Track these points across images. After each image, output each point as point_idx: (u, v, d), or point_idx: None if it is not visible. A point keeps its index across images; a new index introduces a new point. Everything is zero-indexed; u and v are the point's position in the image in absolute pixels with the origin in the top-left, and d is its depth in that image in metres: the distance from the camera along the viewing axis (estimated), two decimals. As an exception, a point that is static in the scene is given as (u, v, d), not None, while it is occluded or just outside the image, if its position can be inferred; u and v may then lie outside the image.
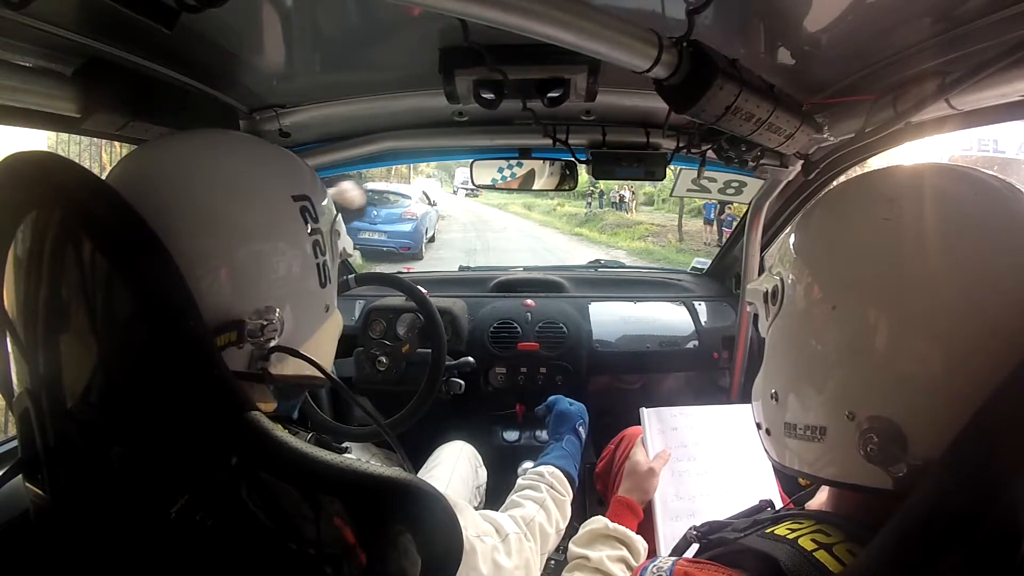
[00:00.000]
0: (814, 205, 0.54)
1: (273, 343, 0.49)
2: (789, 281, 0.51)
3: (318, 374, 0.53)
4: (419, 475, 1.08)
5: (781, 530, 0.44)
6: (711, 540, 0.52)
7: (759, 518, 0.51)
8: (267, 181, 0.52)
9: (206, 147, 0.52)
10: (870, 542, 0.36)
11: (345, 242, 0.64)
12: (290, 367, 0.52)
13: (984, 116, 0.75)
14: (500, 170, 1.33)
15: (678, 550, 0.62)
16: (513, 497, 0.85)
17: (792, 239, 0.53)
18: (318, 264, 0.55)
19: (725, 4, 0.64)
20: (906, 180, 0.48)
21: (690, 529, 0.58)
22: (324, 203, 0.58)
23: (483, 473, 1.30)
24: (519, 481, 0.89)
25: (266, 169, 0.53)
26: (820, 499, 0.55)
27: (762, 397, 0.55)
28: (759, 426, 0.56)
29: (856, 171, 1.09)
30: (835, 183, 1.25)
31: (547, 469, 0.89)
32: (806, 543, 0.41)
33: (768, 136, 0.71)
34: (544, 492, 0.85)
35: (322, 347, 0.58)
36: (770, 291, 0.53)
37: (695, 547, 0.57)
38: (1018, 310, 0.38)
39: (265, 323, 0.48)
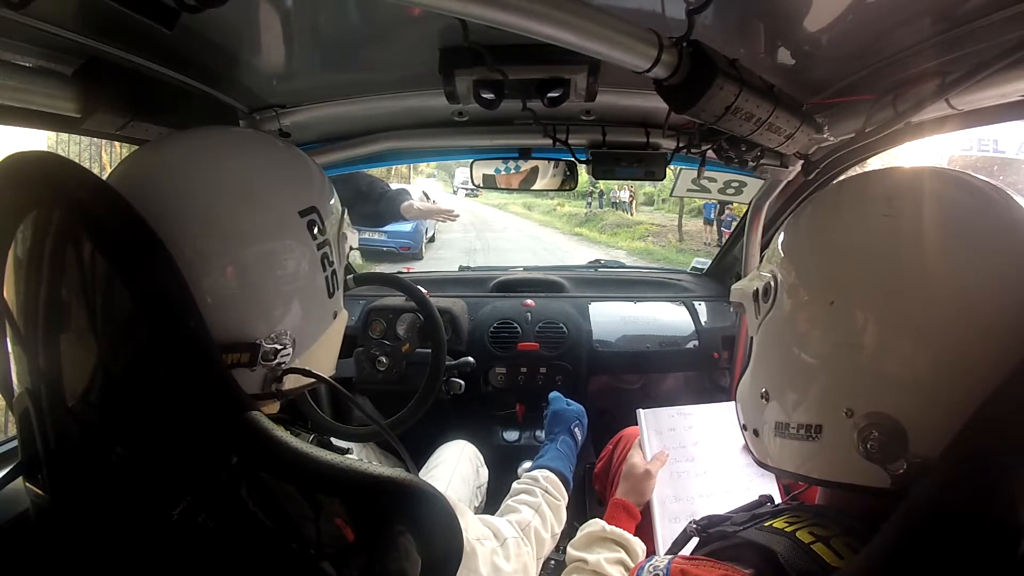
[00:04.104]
0: (806, 204, 0.54)
1: (285, 366, 0.50)
2: (783, 278, 0.50)
3: (322, 376, 0.53)
4: (420, 475, 1.08)
5: (779, 523, 0.44)
6: (710, 534, 0.52)
7: (758, 512, 0.51)
8: (272, 191, 0.51)
9: (209, 147, 0.51)
10: (868, 536, 0.36)
11: (352, 240, 0.62)
12: (295, 378, 0.52)
13: (984, 116, 0.75)
14: (500, 170, 1.33)
15: (678, 544, 0.62)
16: (509, 502, 0.85)
17: (787, 238, 0.53)
18: (326, 277, 0.54)
19: (725, 4, 0.64)
20: (903, 180, 0.49)
21: (690, 523, 0.58)
22: (332, 202, 0.57)
23: (484, 473, 1.30)
24: (514, 485, 0.89)
25: (271, 175, 0.52)
26: (817, 494, 0.55)
27: (749, 397, 0.54)
28: (744, 427, 0.56)
29: (856, 171, 1.08)
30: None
31: (542, 473, 0.89)
32: (804, 536, 0.41)
33: (768, 136, 0.71)
34: (539, 497, 0.85)
35: (327, 349, 0.58)
36: (761, 289, 0.53)
37: (695, 541, 0.57)
38: (1016, 310, 0.39)
39: (280, 347, 0.49)
